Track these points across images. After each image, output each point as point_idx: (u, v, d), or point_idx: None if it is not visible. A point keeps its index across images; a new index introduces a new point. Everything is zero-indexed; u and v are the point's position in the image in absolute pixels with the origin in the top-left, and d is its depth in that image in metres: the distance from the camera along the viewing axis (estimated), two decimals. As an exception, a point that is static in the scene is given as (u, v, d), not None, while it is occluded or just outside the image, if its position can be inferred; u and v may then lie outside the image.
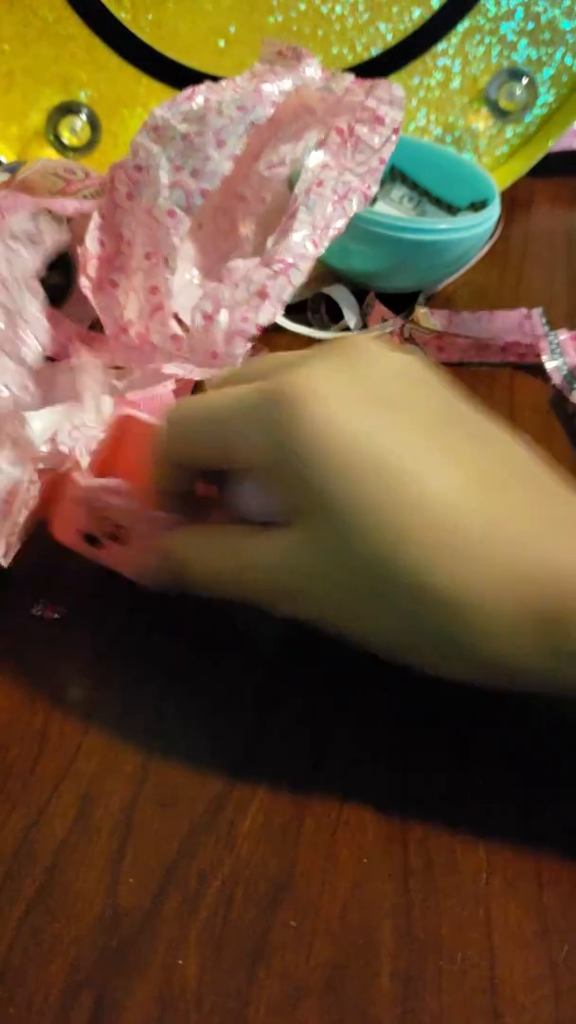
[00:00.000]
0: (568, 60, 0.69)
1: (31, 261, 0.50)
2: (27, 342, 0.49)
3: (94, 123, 0.69)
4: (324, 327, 0.60)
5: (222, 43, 0.66)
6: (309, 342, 0.59)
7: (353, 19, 0.66)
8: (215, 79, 0.49)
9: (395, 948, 0.29)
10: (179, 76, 0.66)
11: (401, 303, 0.62)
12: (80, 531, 0.37)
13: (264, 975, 0.28)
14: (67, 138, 0.69)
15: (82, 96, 0.68)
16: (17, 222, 0.50)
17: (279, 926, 0.29)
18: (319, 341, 0.59)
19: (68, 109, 0.68)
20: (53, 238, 0.51)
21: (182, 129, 0.46)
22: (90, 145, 0.70)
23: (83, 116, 0.68)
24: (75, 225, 0.55)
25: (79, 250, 0.50)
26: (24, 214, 0.51)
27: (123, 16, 0.65)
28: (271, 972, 0.28)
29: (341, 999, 0.28)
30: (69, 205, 0.53)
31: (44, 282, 0.51)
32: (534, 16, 0.67)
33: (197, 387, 0.53)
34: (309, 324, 0.60)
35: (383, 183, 0.66)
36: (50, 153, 0.69)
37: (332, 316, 0.62)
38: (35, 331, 0.50)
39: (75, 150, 0.69)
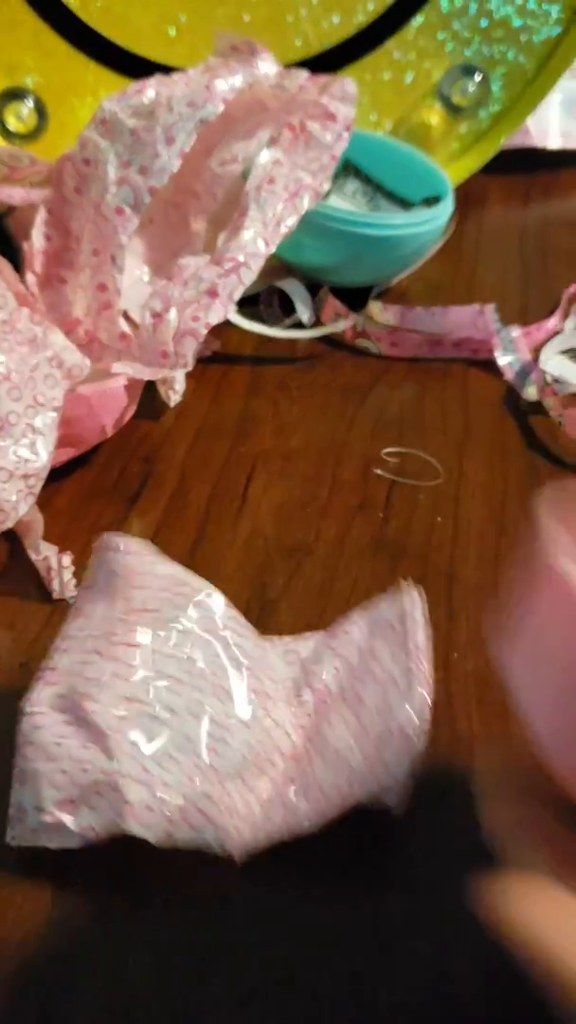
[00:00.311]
0: (520, 58, 0.69)
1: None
2: None
3: (41, 110, 0.67)
4: (276, 321, 0.60)
5: (173, 31, 0.65)
6: (261, 339, 0.59)
7: (307, 11, 0.65)
8: (165, 68, 0.48)
9: None
10: (129, 64, 0.65)
11: (355, 297, 0.62)
12: None
13: None
14: (13, 124, 0.67)
15: (28, 82, 0.66)
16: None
17: None
18: (271, 339, 0.59)
19: (14, 95, 0.67)
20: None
21: (131, 124, 0.45)
22: (37, 132, 0.68)
23: (29, 102, 0.67)
24: (20, 215, 0.54)
25: (25, 245, 0.49)
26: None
27: (71, 2, 0.63)
28: None
29: None
30: (16, 194, 0.52)
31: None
32: (487, 13, 0.67)
33: (148, 385, 0.53)
34: (261, 318, 0.60)
35: (336, 177, 0.66)
36: (-4, 139, 0.68)
37: (285, 309, 0.61)
38: None
39: (21, 136, 0.68)
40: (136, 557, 0.36)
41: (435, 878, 0.32)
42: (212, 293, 0.47)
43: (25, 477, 0.41)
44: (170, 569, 0.36)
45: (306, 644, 0.38)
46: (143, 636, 0.35)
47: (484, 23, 0.68)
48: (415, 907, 0.32)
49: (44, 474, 0.42)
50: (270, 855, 0.31)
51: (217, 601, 0.36)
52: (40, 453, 0.41)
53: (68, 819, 0.31)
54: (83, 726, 0.33)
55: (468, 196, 0.73)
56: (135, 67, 0.65)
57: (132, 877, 0.32)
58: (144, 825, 0.31)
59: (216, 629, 0.35)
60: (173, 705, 0.34)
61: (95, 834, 0.31)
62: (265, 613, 0.42)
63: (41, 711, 0.33)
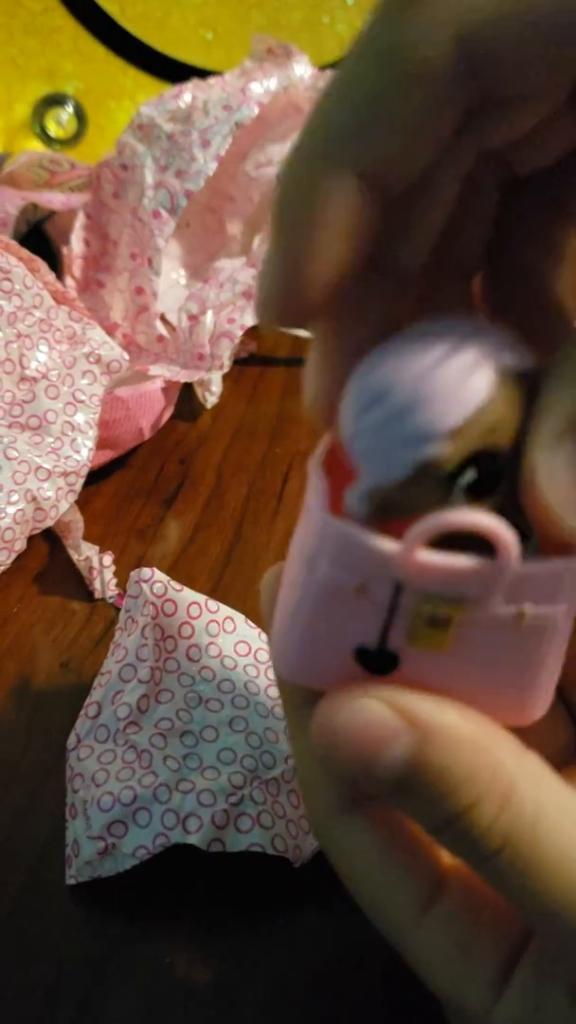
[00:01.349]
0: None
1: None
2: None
3: (80, 115, 0.68)
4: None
5: (209, 35, 0.65)
6: (296, 340, 0.59)
7: (342, 12, 0.65)
8: (202, 72, 0.49)
9: None
10: (166, 68, 0.66)
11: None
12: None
13: None
14: (53, 130, 0.68)
15: (68, 88, 0.67)
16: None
17: None
18: (306, 340, 0.59)
19: (54, 101, 0.67)
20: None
21: (168, 128, 0.46)
22: (76, 137, 0.69)
23: (69, 108, 0.68)
24: (59, 219, 0.54)
25: (64, 249, 0.49)
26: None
27: (110, 8, 0.64)
28: None
29: None
30: (56, 199, 0.53)
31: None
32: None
33: (185, 387, 0.53)
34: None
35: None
36: (36, 145, 0.69)
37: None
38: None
39: (61, 142, 0.69)
40: (165, 587, 0.37)
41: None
42: (248, 295, 0.47)
43: (65, 475, 0.41)
44: (198, 598, 0.37)
45: None
46: (177, 661, 0.36)
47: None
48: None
49: (84, 472, 0.42)
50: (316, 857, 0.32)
51: (245, 626, 0.37)
52: (80, 450, 0.42)
53: (119, 841, 0.31)
54: (125, 750, 0.34)
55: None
56: (172, 71, 0.65)
57: (174, 878, 0.32)
58: (192, 833, 0.31)
59: (252, 652, 0.36)
60: (212, 723, 0.34)
61: (147, 852, 0.31)
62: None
63: (85, 744, 0.34)
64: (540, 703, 0.19)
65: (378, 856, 0.21)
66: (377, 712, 0.18)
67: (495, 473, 0.17)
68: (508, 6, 0.14)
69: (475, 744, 0.18)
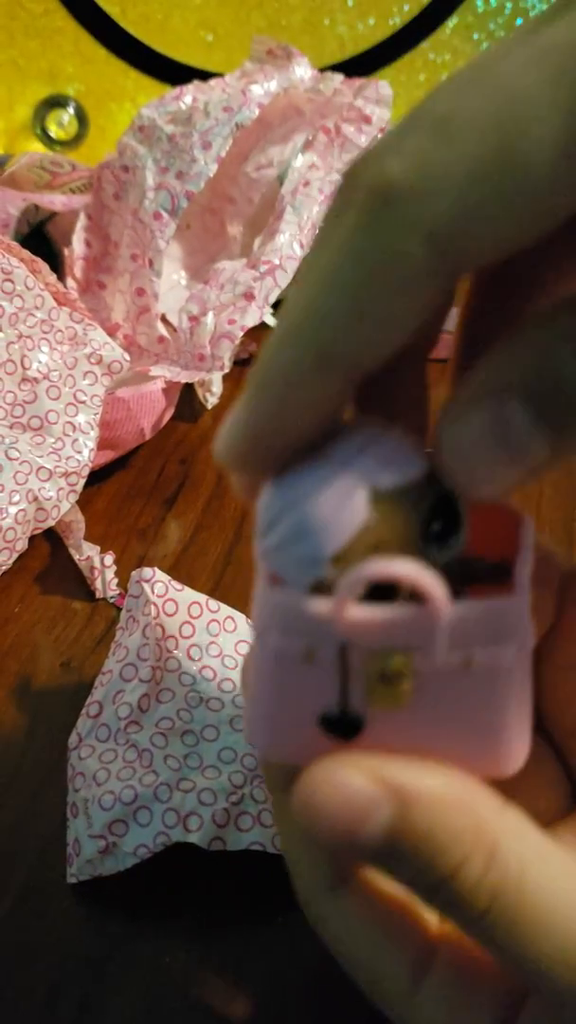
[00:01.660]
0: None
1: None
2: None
3: (81, 117, 0.68)
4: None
5: (210, 37, 0.65)
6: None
7: (343, 14, 0.65)
8: (203, 74, 0.49)
9: None
10: (167, 70, 0.66)
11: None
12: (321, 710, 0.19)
13: None
14: (54, 131, 0.68)
15: (69, 90, 0.67)
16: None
17: None
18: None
19: (55, 102, 0.68)
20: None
21: (168, 130, 0.46)
22: (78, 138, 0.69)
23: (70, 110, 0.68)
24: (61, 221, 0.54)
25: (65, 251, 0.49)
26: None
27: (111, 9, 0.64)
28: None
29: None
30: (57, 201, 0.53)
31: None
32: (522, 12, 0.67)
33: (186, 388, 0.53)
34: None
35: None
36: (37, 147, 0.69)
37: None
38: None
39: (62, 143, 0.69)
40: (165, 587, 0.37)
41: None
42: (248, 296, 0.47)
43: (66, 475, 0.42)
44: (199, 597, 0.37)
45: None
46: (178, 660, 0.36)
47: (519, 23, 0.67)
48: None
49: (86, 472, 0.42)
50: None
51: (246, 626, 0.37)
52: (81, 451, 0.42)
53: (120, 840, 0.32)
54: (126, 749, 0.34)
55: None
56: (173, 73, 0.65)
57: (174, 877, 0.33)
58: (194, 832, 0.31)
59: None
60: (213, 722, 0.34)
61: (147, 851, 0.31)
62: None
63: (86, 743, 0.34)
64: (514, 753, 0.19)
65: (367, 933, 0.21)
66: (355, 784, 0.18)
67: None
68: (471, 205, 0.15)
69: (456, 805, 0.18)
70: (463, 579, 0.19)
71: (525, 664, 0.18)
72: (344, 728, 0.19)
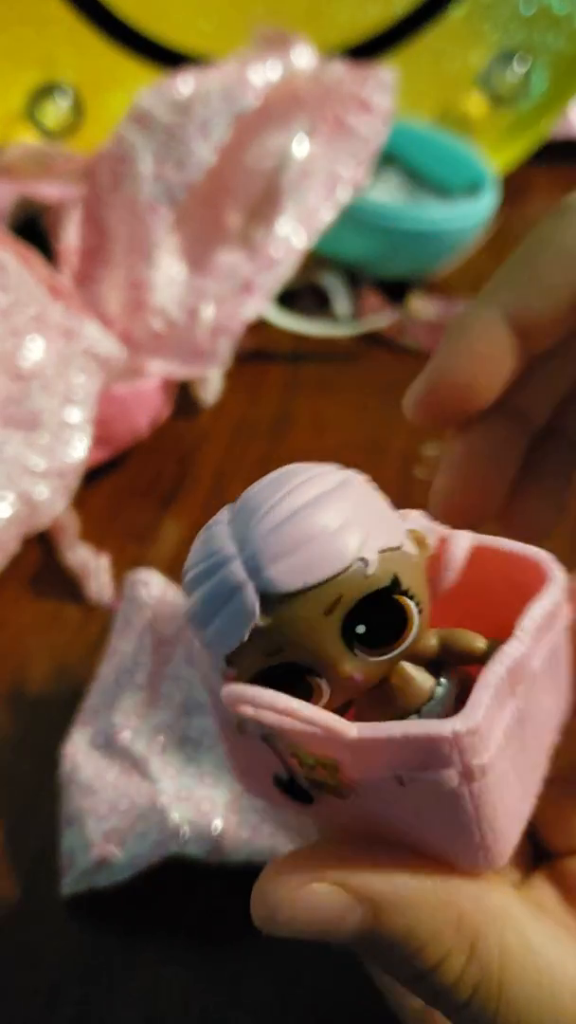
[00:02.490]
0: (562, 44, 0.67)
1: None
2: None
3: (77, 105, 0.67)
4: (314, 317, 0.59)
5: (209, 24, 0.64)
6: (299, 336, 0.58)
7: (344, 3, 0.64)
8: (202, 61, 0.48)
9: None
10: (165, 57, 0.64)
11: (395, 290, 0.60)
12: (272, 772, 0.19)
13: None
14: (49, 120, 0.67)
15: (65, 78, 0.66)
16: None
17: None
18: (308, 336, 0.58)
19: (50, 90, 0.66)
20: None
21: (166, 119, 0.45)
22: (73, 127, 0.68)
23: (66, 98, 0.66)
24: (55, 212, 0.53)
25: (60, 243, 0.48)
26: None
27: (107, -5, 0.63)
28: None
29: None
30: (52, 191, 0.52)
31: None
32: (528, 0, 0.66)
33: (184, 384, 0.52)
34: (299, 314, 0.59)
35: (378, 168, 0.64)
36: (32, 135, 0.68)
37: (323, 305, 0.60)
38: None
39: (58, 132, 0.67)
40: (162, 590, 0.36)
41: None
42: (248, 288, 0.46)
43: (61, 474, 0.41)
44: None
45: None
46: (175, 666, 0.35)
47: (527, 11, 0.66)
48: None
49: (80, 470, 0.41)
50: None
51: None
52: (76, 448, 0.41)
53: (116, 851, 0.31)
54: (122, 757, 0.33)
55: (513, 185, 0.72)
56: (171, 61, 0.64)
57: (172, 889, 0.32)
58: (191, 843, 0.30)
59: None
60: (211, 728, 0.33)
61: (145, 862, 0.30)
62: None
63: (81, 751, 0.33)
64: (494, 853, 0.18)
65: None
66: (321, 894, 0.17)
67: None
68: None
69: (432, 901, 0.18)
70: (448, 662, 0.18)
71: (499, 775, 0.17)
72: (296, 795, 0.18)
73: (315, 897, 0.17)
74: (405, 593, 0.16)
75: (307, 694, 0.16)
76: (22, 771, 0.35)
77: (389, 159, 0.65)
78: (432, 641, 0.18)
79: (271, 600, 0.16)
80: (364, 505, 0.17)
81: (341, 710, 0.17)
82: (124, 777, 0.32)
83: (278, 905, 0.18)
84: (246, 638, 0.16)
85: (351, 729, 0.16)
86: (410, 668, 0.17)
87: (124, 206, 0.46)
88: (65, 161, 0.57)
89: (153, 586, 0.36)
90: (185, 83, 0.46)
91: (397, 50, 0.66)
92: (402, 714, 0.17)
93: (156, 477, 0.49)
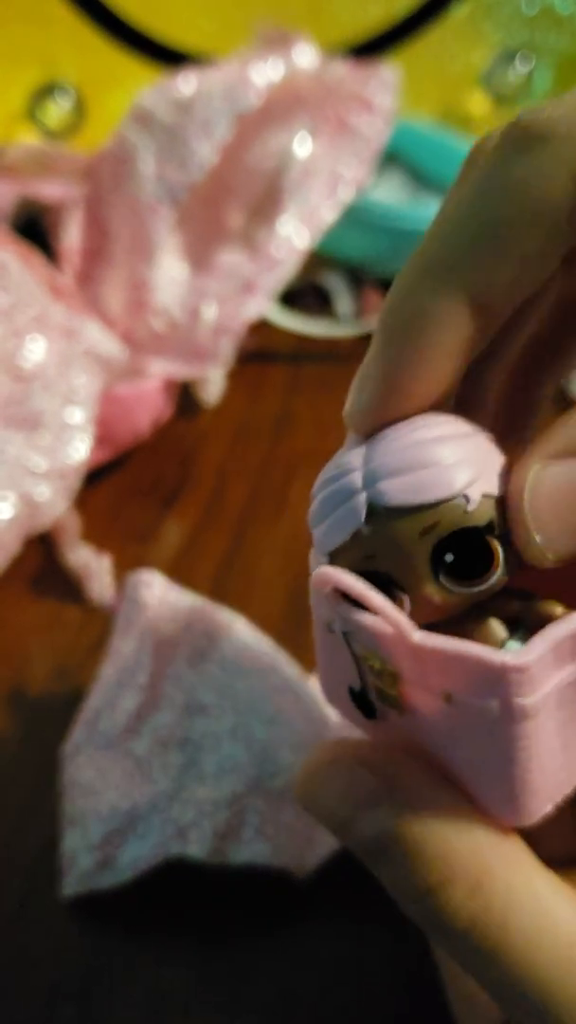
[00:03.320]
0: (565, 43, 0.67)
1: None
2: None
3: (78, 104, 0.67)
4: (317, 317, 0.59)
5: (211, 23, 0.64)
6: (301, 336, 0.58)
7: (345, 2, 0.64)
8: (203, 60, 0.47)
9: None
10: (166, 56, 0.64)
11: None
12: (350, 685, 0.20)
13: None
14: (50, 120, 0.67)
15: (66, 77, 0.66)
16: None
17: None
18: (311, 336, 0.58)
19: (51, 90, 0.66)
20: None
21: (167, 119, 0.45)
22: (74, 127, 0.68)
23: (67, 97, 0.66)
24: (56, 212, 0.53)
25: (61, 243, 0.48)
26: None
27: (108, -6, 0.63)
28: None
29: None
30: (54, 190, 0.52)
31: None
32: (532, -2, 0.66)
33: (186, 385, 0.52)
34: (301, 314, 0.59)
35: (380, 167, 0.64)
36: (33, 135, 0.68)
37: (325, 305, 0.60)
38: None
39: (59, 132, 0.67)
40: (164, 590, 0.36)
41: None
42: (250, 288, 0.46)
43: (62, 475, 0.40)
44: (198, 601, 0.36)
45: None
46: (176, 667, 0.35)
47: (529, 10, 0.66)
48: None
49: (81, 471, 0.41)
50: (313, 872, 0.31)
51: (247, 630, 0.35)
52: (77, 449, 0.41)
53: (118, 852, 0.31)
54: (123, 758, 0.33)
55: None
56: (173, 60, 0.64)
57: (173, 890, 0.32)
58: (193, 844, 0.30)
59: (254, 657, 0.35)
60: (213, 730, 0.33)
61: (146, 864, 0.30)
62: (304, 618, 0.41)
63: (82, 752, 0.33)
64: (526, 807, 0.18)
65: None
66: (358, 774, 0.18)
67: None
68: None
69: (452, 823, 0.18)
70: (531, 620, 0.18)
71: (541, 728, 0.17)
72: (364, 707, 0.19)
73: (352, 774, 0.18)
74: (497, 539, 0.17)
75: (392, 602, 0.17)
76: (22, 771, 0.35)
77: (391, 158, 0.65)
78: (513, 602, 0.18)
79: (378, 511, 0.17)
80: (482, 455, 0.18)
81: None
82: (125, 778, 0.32)
83: (315, 774, 0.18)
84: (348, 539, 0.17)
85: (415, 633, 0.17)
86: (490, 618, 0.18)
87: (125, 206, 0.46)
88: (66, 161, 0.57)
89: (155, 587, 0.36)
90: (186, 82, 0.46)
91: (399, 49, 0.66)
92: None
93: (158, 477, 0.49)
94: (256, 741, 0.33)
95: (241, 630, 0.36)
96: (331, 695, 0.21)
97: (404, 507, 0.17)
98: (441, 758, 0.19)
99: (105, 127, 0.66)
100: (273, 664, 0.35)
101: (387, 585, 0.18)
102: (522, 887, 0.18)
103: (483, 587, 0.17)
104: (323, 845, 0.31)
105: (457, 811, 0.18)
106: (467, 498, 0.17)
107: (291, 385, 0.55)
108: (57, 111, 0.67)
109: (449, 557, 0.17)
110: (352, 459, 0.18)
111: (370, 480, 0.17)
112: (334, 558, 0.18)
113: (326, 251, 0.60)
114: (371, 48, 0.66)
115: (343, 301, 0.60)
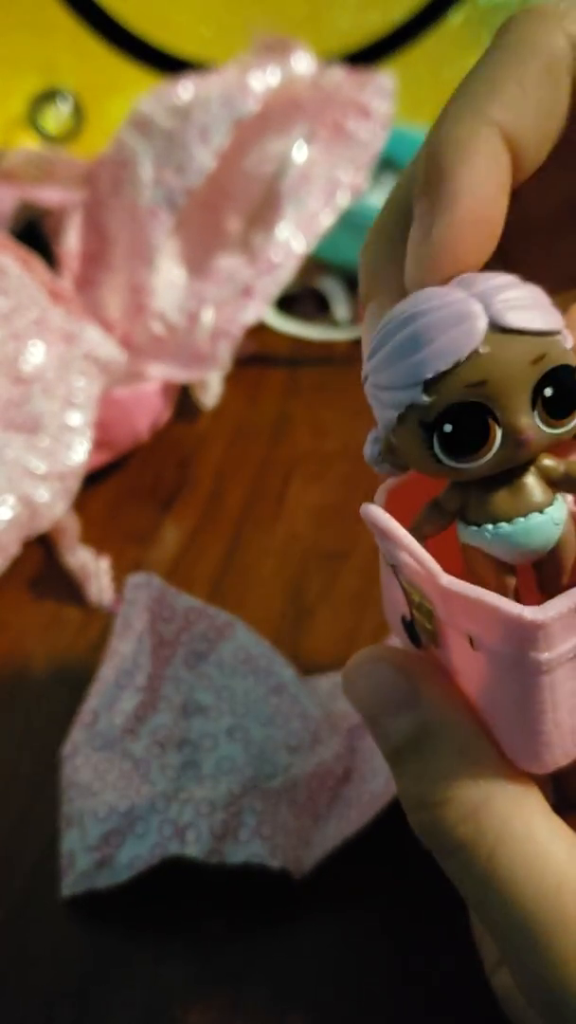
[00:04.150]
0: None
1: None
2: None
3: (78, 110, 0.67)
4: (314, 321, 0.59)
5: (209, 30, 0.64)
6: (298, 340, 0.58)
7: (344, 8, 0.64)
8: (202, 67, 0.48)
9: None
10: (165, 63, 0.65)
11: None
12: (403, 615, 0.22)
13: None
14: (50, 125, 0.67)
15: (66, 83, 0.66)
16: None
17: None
18: (308, 340, 0.58)
19: (51, 96, 0.67)
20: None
21: (166, 124, 0.45)
22: (74, 132, 0.68)
23: (67, 103, 0.67)
24: (56, 217, 0.54)
25: (61, 247, 0.48)
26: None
27: (108, 1, 0.63)
28: None
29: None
30: (52, 195, 0.52)
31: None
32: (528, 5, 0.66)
33: (184, 388, 0.52)
34: (298, 318, 0.59)
35: (377, 173, 0.65)
36: (33, 141, 0.68)
37: (322, 309, 0.60)
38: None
39: (58, 137, 0.68)
40: (162, 592, 0.36)
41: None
42: (248, 293, 0.46)
43: (61, 477, 0.41)
44: (196, 603, 0.36)
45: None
46: (174, 668, 0.35)
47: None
48: (458, 930, 0.31)
49: (80, 473, 0.42)
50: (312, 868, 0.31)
51: (244, 632, 0.36)
52: (77, 452, 0.41)
53: (116, 852, 0.31)
54: (122, 759, 0.33)
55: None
56: (172, 66, 0.64)
57: (171, 890, 0.32)
58: (191, 844, 0.30)
59: (251, 659, 0.35)
60: (211, 731, 0.33)
61: (144, 863, 0.30)
62: (302, 620, 0.41)
63: (81, 753, 0.33)
64: (535, 758, 0.19)
65: None
66: (393, 679, 0.20)
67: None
68: None
69: (465, 750, 0.19)
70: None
71: (557, 684, 0.18)
72: (412, 637, 0.20)
73: (389, 676, 0.20)
74: None
75: (482, 439, 0.17)
76: (22, 771, 0.35)
77: (388, 164, 0.65)
78: (560, 467, 0.19)
79: (496, 333, 0.17)
80: None
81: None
82: (124, 779, 0.32)
83: (360, 665, 0.20)
84: (461, 360, 0.17)
85: (442, 576, 0.18)
86: (547, 460, 0.19)
87: (124, 211, 0.47)
88: (66, 166, 0.57)
89: (153, 588, 0.36)
90: (185, 89, 0.46)
91: (396, 56, 0.67)
92: (525, 510, 0.18)
93: (156, 480, 0.49)
94: (253, 742, 0.33)
95: (239, 632, 0.36)
96: (391, 622, 0.22)
97: (524, 330, 0.17)
98: (470, 695, 0.19)
99: (104, 133, 0.66)
100: (270, 665, 0.35)
101: (482, 415, 0.17)
102: (518, 823, 0.18)
103: (566, 428, 0.18)
104: (320, 845, 0.31)
105: (474, 742, 0.19)
106: (565, 336, 0.18)
107: (289, 388, 0.55)
108: (57, 117, 0.67)
109: (548, 391, 0.17)
110: (448, 292, 0.18)
111: (487, 303, 0.17)
112: (432, 385, 0.17)
113: (323, 256, 0.60)
114: (368, 55, 0.66)
115: (340, 305, 0.60)
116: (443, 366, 0.17)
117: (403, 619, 0.21)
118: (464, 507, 0.19)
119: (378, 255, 0.21)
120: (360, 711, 0.20)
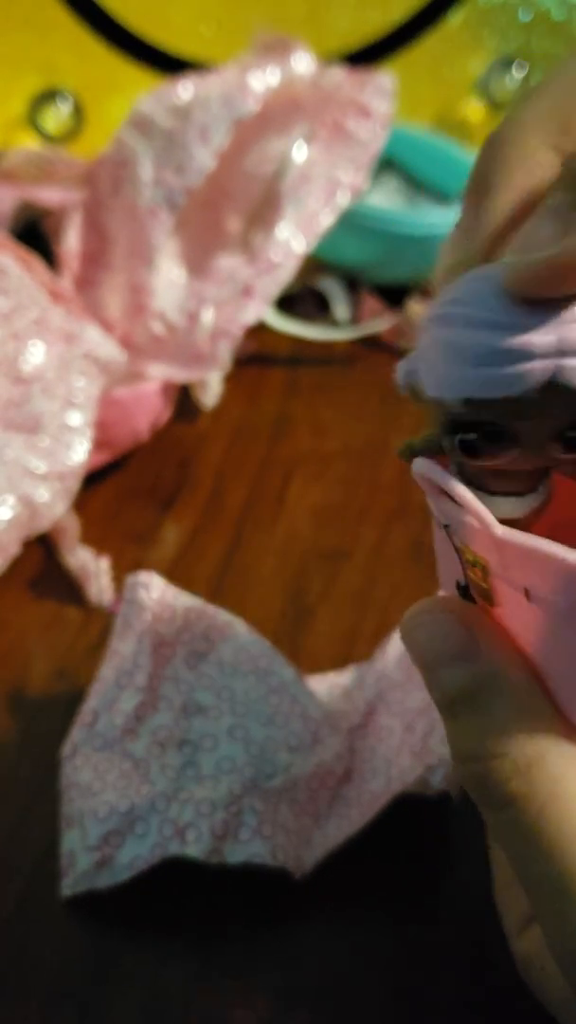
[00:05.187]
0: (561, 50, 0.68)
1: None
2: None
3: (78, 110, 0.67)
4: (314, 321, 0.59)
5: (209, 30, 0.64)
6: (298, 340, 0.58)
7: (344, 7, 0.64)
8: (202, 67, 0.48)
9: None
10: (165, 63, 0.65)
11: (394, 295, 0.61)
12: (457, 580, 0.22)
13: None
14: (50, 125, 0.67)
15: (66, 83, 0.66)
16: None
17: None
18: (308, 340, 0.58)
19: (51, 96, 0.67)
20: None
21: (165, 124, 0.45)
22: (74, 132, 0.68)
23: (67, 103, 0.67)
24: (56, 217, 0.54)
25: (61, 247, 0.48)
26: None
27: (108, 0, 0.63)
28: None
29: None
30: (53, 195, 0.52)
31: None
32: (528, 5, 0.66)
33: (184, 388, 0.52)
34: (298, 318, 0.59)
35: (377, 173, 0.65)
36: (33, 141, 0.68)
37: (322, 309, 0.60)
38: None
39: (58, 137, 0.68)
40: (162, 592, 0.36)
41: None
42: (248, 293, 0.46)
43: (61, 477, 0.41)
44: (196, 602, 0.36)
45: (346, 675, 0.38)
46: (174, 668, 0.35)
47: (525, 17, 0.67)
48: (460, 929, 0.31)
49: (80, 473, 0.42)
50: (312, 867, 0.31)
51: (245, 632, 0.36)
52: (77, 451, 0.41)
53: (117, 852, 0.31)
54: (122, 759, 0.33)
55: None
56: (172, 66, 0.64)
57: (172, 890, 0.32)
58: (191, 844, 0.30)
59: (251, 659, 0.35)
60: (211, 731, 0.33)
61: (145, 864, 0.30)
62: (302, 620, 0.41)
63: (81, 753, 0.33)
64: None
65: None
66: (453, 630, 0.20)
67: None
68: None
69: (521, 704, 0.19)
70: None
71: None
72: (467, 600, 0.21)
73: (448, 626, 0.20)
74: None
75: (498, 452, 0.18)
76: (22, 772, 0.35)
77: (388, 164, 0.65)
78: None
79: (555, 387, 0.17)
80: None
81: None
82: (124, 779, 0.32)
83: (419, 613, 0.20)
84: (509, 397, 0.17)
85: (498, 528, 0.18)
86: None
87: (124, 211, 0.47)
88: (66, 166, 0.57)
89: (153, 588, 0.36)
90: (185, 88, 0.46)
91: (396, 56, 0.67)
92: None
93: (156, 480, 0.49)
94: (254, 742, 0.33)
95: (239, 631, 0.36)
96: (446, 589, 0.22)
97: None
98: (528, 653, 0.20)
99: (104, 133, 0.66)
100: (270, 665, 0.35)
101: (506, 440, 0.18)
102: (571, 783, 0.18)
103: None
104: (320, 845, 0.31)
105: (530, 698, 0.19)
106: None
107: (289, 388, 0.55)
108: (57, 117, 0.67)
109: (572, 432, 0.18)
110: (541, 318, 0.17)
111: (564, 350, 0.17)
112: (473, 402, 0.17)
113: (323, 256, 0.60)
114: (368, 55, 0.66)
115: (340, 305, 0.60)
116: (493, 395, 0.17)
117: (457, 584, 0.21)
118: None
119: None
120: (416, 661, 0.20)
